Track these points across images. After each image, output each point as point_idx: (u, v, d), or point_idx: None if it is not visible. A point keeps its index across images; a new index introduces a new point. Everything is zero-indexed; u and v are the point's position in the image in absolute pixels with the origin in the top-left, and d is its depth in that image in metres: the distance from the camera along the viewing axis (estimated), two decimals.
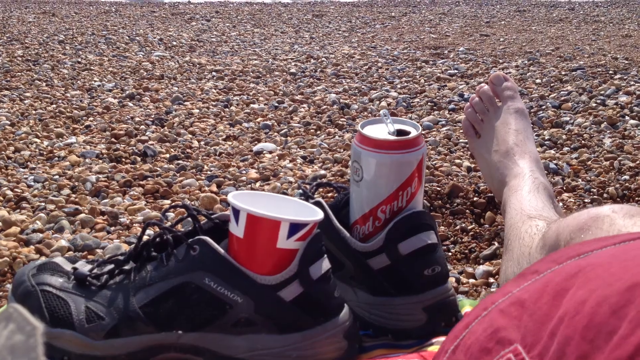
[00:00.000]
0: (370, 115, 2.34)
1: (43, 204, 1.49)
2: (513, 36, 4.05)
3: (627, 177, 1.63)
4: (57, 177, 1.67)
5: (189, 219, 0.87)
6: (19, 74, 2.82)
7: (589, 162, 1.75)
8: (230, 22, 4.73)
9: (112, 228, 1.40)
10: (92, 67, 3.00)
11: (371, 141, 0.94)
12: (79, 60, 3.15)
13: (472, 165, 1.73)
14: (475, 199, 1.51)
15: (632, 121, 2.09)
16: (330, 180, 1.66)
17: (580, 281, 0.45)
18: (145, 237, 0.86)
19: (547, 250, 0.79)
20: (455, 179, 1.62)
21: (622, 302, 0.40)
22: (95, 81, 2.75)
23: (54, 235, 1.34)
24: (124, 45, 3.60)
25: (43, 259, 1.03)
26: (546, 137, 1.98)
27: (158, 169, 1.77)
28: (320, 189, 1.50)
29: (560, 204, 1.48)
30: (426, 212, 0.95)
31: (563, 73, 2.77)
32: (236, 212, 0.79)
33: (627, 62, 2.93)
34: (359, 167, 0.96)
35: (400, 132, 0.98)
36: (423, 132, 2.10)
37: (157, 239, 0.86)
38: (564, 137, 1.97)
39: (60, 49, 3.43)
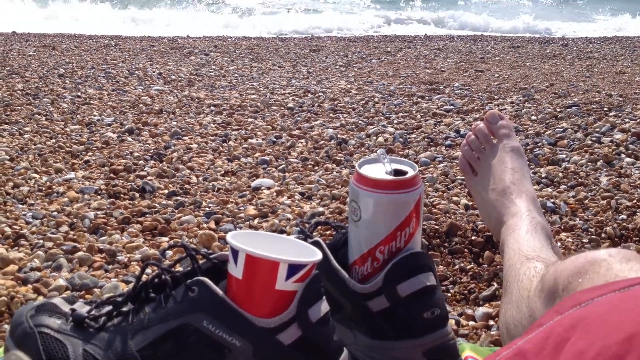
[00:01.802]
0: (367, 150, 2.36)
1: (41, 241, 1.49)
2: (508, 72, 4.09)
3: (624, 216, 1.64)
4: (55, 213, 1.67)
5: (188, 258, 0.87)
6: (19, 107, 2.83)
7: (586, 201, 1.76)
8: (229, 57, 4.77)
9: (110, 266, 1.40)
10: (91, 101, 3.02)
11: (369, 181, 0.95)
12: (79, 94, 3.17)
13: (470, 203, 1.73)
14: (473, 237, 1.51)
15: (627, 159, 2.11)
16: (328, 218, 1.67)
17: (580, 332, 0.45)
18: (143, 277, 0.86)
19: (545, 293, 0.79)
20: (453, 217, 1.63)
21: (621, 352, 0.40)
22: (94, 115, 2.77)
23: (51, 274, 1.34)
24: (124, 79, 3.62)
25: (41, 299, 1.03)
26: (543, 175, 1.99)
27: (156, 205, 1.77)
28: (319, 227, 1.50)
29: (559, 243, 1.48)
30: (425, 253, 0.95)
31: (558, 110, 2.79)
32: (235, 252, 0.79)
33: (621, 99, 2.96)
34: (357, 206, 0.96)
35: (397, 172, 0.99)
36: (420, 170, 2.11)
37: (156, 280, 0.86)
38: (560, 174, 1.98)
39: (60, 82, 3.45)
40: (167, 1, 9.68)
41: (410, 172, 0.98)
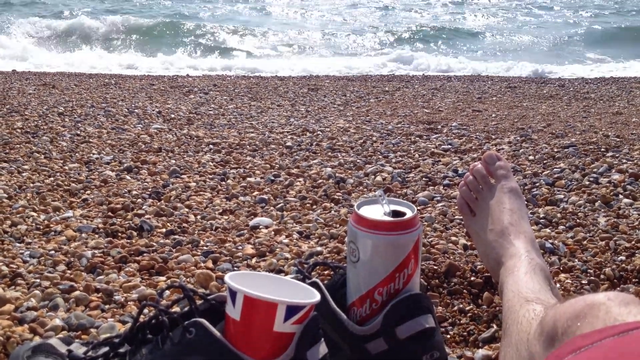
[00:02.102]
0: (365, 190, 2.36)
1: (38, 280, 1.49)
2: (505, 112, 4.12)
3: (623, 257, 1.63)
4: (53, 252, 1.67)
5: (186, 299, 0.87)
6: (18, 146, 2.84)
7: (585, 242, 1.76)
8: (228, 95, 4.81)
9: (107, 306, 1.39)
10: (90, 140, 3.03)
11: (367, 222, 0.95)
12: (78, 132, 3.19)
13: (469, 243, 1.73)
14: (472, 278, 1.51)
15: (625, 200, 2.11)
16: (326, 258, 1.67)
17: None
18: (140, 318, 0.86)
19: (544, 337, 0.79)
20: (451, 257, 1.62)
21: None
22: (93, 154, 2.78)
23: (48, 314, 1.33)
24: (123, 118, 3.64)
25: (38, 339, 1.02)
26: (541, 215, 1.99)
27: (154, 244, 1.77)
28: (317, 267, 1.50)
29: (558, 285, 1.48)
30: (423, 295, 0.95)
31: (555, 150, 2.81)
32: (233, 293, 0.79)
33: (618, 139, 2.98)
34: (355, 247, 0.96)
35: (396, 213, 0.99)
36: (418, 209, 2.11)
37: (153, 321, 0.85)
38: (558, 215, 1.99)
39: (59, 121, 3.47)
40: (168, 47, 9.80)
41: (409, 214, 0.98)
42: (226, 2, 19.13)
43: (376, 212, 0.98)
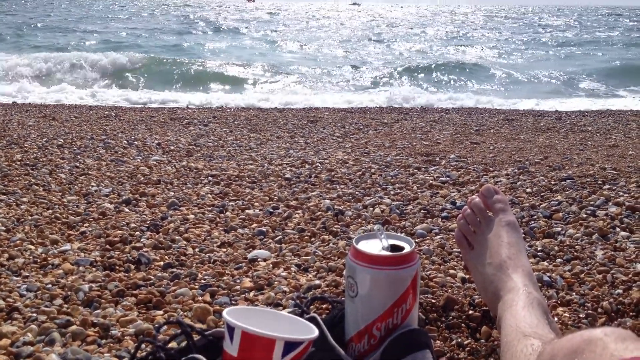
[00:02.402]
0: (364, 222, 2.36)
1: (35, 314, 1.48)
2: (502, 144, 4.14)
3: (620, 291, 1.63)
4: (50, 286, 1.67)
5: (183, 334, 0.87)
6: (17, 178, 2.85)
7: (582, 275, 1.75)
8: (227, 127, 4.83)
9: (104, 341, 1.38)
10: (89, 172, 3.04)
11: (365, 256, 0.96)
12: (77, 164, 3.20)
13: (467, 277, 1.73)
14: (470, 312, 1.50)
15: (622, 233, 2.11)
16: (324, 291, 1.66)
17: None
18: (138, 354, 0.85)
19: None
20: (450, 290, 1.62)
21: None
22: (92, 186, 2.78)
23: (44, 348, 1.32)
24: (122, 150, 3.66)
25: None
26: (539, 248, 1.99)
27: (152, 277, 1.76)
28: (315, 301, 1.49)
29: (556, 318, 1.48)
30: (422, 330, 0.95)
31: (553, 183, 2.82)
32: (231, 328, 0.79)
33: (615, 172, 2.99)
34: (353, 282, 0.96)
35: (394, 248, 0.99)
36: (416, 241, 2.11)
37: (150, 357, 0.85)
38: (556, 248, 1.99)
39: (59, 153, 3.48)
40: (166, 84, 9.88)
41: (407, 248, 0.98)
42: (232, 37, 19.39)
43: (374, 246, 0.98)
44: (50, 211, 2.39)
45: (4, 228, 2.13)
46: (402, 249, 0.98)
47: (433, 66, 12.30)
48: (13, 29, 18.37)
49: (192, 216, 2.39)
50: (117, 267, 1.85)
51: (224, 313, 0.80)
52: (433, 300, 1.54)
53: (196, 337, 0.87)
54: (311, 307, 1.45)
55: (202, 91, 9.52)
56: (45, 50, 12.52)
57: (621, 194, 2.58)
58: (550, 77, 11.45)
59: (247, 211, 2.47)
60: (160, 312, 1.55)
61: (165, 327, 1.43)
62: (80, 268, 1.81)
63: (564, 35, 21.83)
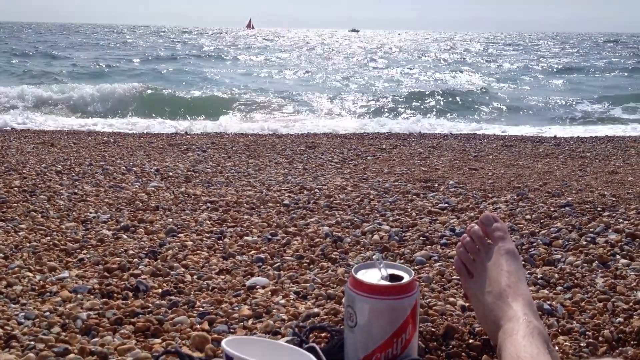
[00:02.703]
0: (363, 249, 2.36)
1: (33, 342, 1.47)
2: (501, 170, 4.15)
3: (621, 319, 1.63)
4: (48, 313, 1.66)
5: None
6: (15, 204, 2.84)
7: (583, 303, 1.75)
8: (226, 153, 4.84)
9: None
10: (88, 198, 3.04)
11: (365, 286, 0.95)
12: (76, 191, 3.20)
13: (467, 305, 1.72)
14: (471, 341, 1.49)
15: (623, 260, 2.11)
16: (323, 319, 1.65)
17: None
18: None
19: None
20: (449, 318, 1.61)
21: None
22: (90, 212, 2.78)
23: None
24: (121, 176, 3.66)
25: None
26: (539, 276, 1.99)
27: (150, 305, 1.75)
28: (314, 330, 1.48)
29: (556, 347, 1.47)
30: None
31: (552, 209, 2.81)
32: (229, 359, 0.79)
33: (614, 199, 2.99)
34: (352, 312, 0.96)
35: (393, 277, 0.99)
36: (416, 269, 2.11)
37: None
38: (556, 275, 1.98)
39: (57, 179, 3.48)
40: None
41: (406, 278, 0.98)
42: (232, 63, 19.52)
43: (373, 276, 0.98)
44: (48, 238, 2.38)
45: (2, 255, 2.12)
46: (401, 278, 0.97)
47: (440, 92, 12.30)
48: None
49: (191, 243, 2.38)
50: (115, 295, 1.84)
51: (223, 343, 0.80)
52: (433, 329, 1.53)
53: None
54: (310, 336, 1.44)
55: (208, 118, 9.50)
56: (45, 78, 12.56)
57: (621, 220, 2.57)
58: (550, 104, 11.47)
59: (245, 238, 2.47)
60: (159, 340, 1.54)
61: (163, 356, 1.42)
62: (79, 295, 1.80)
63: (566, 62, 21.92)
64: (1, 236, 2.35)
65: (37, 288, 1.86)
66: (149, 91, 11.56)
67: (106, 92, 10.88)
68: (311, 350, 0.93)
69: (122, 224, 2.61)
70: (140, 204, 2.97)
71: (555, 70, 20.21)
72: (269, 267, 2.14)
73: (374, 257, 0.97)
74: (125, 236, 2.46)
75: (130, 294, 1.85)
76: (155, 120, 8.69)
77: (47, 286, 1.87)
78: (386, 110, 10.91)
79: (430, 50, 34.10)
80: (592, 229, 2.47)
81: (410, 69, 20.21)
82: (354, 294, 0.96)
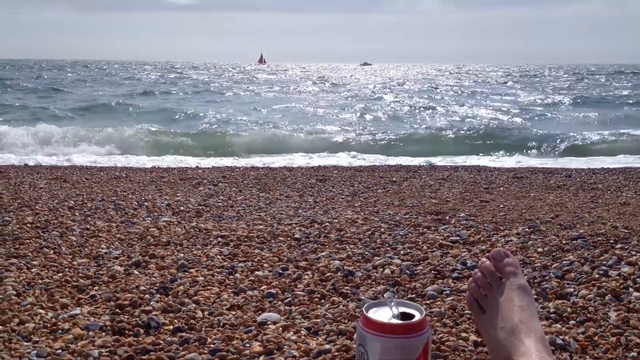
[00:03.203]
0: (374, 283, 2.35)
1: None
2: (512, 202, 4.14)
3: (634, 353, 1.61)
4: (60, 351, 1.66)
5: None
6: (28, 241, 2.86)
7: (596, 338, 1.73)
8: (237, 187, 4.86)
9: None
10: (100, 234, 3.06)
11: (376, 325, 0.95)
12: (88, 226, 3.21)
13: (479, 340, 1.71)
14: None
15: (636, 293, 2.09)
16: (335, 356, 1.65)
17: None
18: None
19: None
20: (462, 354, 1.60)
21: None
22: (102, 248, 2.79)
23: None
24: (133, 211, 3.68)
25: None
26: (552, 310, 1.97)
27: (161, 342, 1.75)
28: None
29: None
30: None
31: (564, 242, 2.80)
32: None
33: (627, 231, 2.97)
34: (364, 351, 0.96)
35: (405, 315, 0.99)
36: (427, 303, 2.10)
37: None
38: (569, 309, 1.97)
39: (69, 215, 3.50)
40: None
41: (418, 316, 0.98)
42: (248, 99, 19.69)
43: (385, 314, 0.98)
44: (60, 274, 2.39)
45: (14, 292, 2.13)
46: (412, 316, 0.97)
47: (465, 129, 11.99)
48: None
49: (202, 278, 2.38)
50: (126, 332, 1.84)
51: None
52: None
53: None
54: None
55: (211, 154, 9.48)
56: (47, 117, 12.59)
57: (634, 253, 2.56)
58: (564, 136, 11.28)
59: (256, 272, 2.47)
60: None
61: None
62: (90, 333, 1.81)
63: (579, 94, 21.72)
64: (14, 273, 2.36)
65: (49, 325, 1.87)
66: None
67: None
68: None
69: (134, 259, 2.62)
70: (152, 239, 2.98)
71: (571, 102, 19.85)
72: (280, 302, 2.14)
73: (385, 295, 0.98)
74: (136, 272, 2.47)
75: (142, 331, 1.85)
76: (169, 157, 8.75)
77: (59, 323, 1.88)
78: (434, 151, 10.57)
79: (446, 83, 33.74)
80: (604, 262, 2.46)
81: (428, 101, 20.09)
82: (365, 332, 0.96)
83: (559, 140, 10.46)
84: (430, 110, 16.73)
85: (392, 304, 0.99)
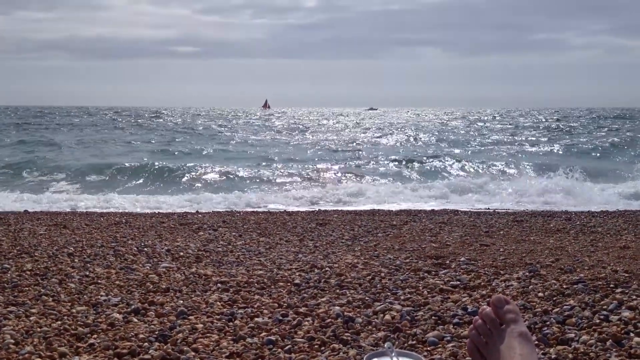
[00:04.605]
0: (374, 329, 2.34)
1: None
2: (512, 246, 4.13)
3: None
4: None
5: None
6: (27, 288, 2.85)
7: None
8: (237, 231, 4.86)
9: None
10: (99, 281, 3.05)
11: None
12: (87, 273, 3.21)
13: None
14: None
15: (636, 338, 2.08)
16: None
17: None
18: None
19: None
20: None
21: None
22: (101, 295, 2.78)
23: None
24: (132, 257, 3.67)
25: None
26: (553, 356, 1.96)
27: None
28: None
29: None
30: None
31: (564, 286, 2.78)
32: None
33: (627, 275, 2.95)
34: None
35: None
36: (428, 350, 2.08)
37: None
38: (570, 355, 1.95)
39: (69, 261, 3.49)
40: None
41: None
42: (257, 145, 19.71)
43: None
44: (59, 322, 2.38)
45: (12, 341, 2.12)
46: None
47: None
48: None
49: (201, 325, 2.37)
50: None
51: None
52: None
53: None
54: None
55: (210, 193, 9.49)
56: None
57: (634, 297, 2.54)
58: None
59: (256, 319, 2.45)
60: None
61: None
62: None
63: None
64: (12, 321, 2.35)
65: None
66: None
67: None
68: None
69: (133, 306, 2.60)
70: (151, 286, 2.97)
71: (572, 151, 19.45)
72: (280, 350, 2.12)
73: (385, 344, 0.98)
74: (135, 319, 2.45)
75: None
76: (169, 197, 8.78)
77: None
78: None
79: (458, 128, 33.19)
80: (605, 307, 2.44)
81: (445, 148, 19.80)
82: None
83: None
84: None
85: (393, 354, 0.98)
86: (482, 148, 18.85)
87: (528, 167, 13.07)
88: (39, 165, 12.81)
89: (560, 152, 17.69)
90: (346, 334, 2.28)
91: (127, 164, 12.49)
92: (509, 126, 33.50)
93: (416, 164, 13.79)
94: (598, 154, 17.14)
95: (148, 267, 3.39)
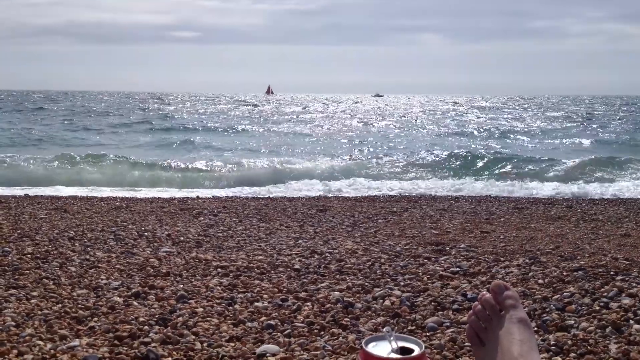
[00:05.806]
0: (374, 314, 2.34)
1: None
2: (513, 233, 4.13)
3: None
4: None
5: None
6: (27, 272, 2.86)
7: None
8: (237, 217, 4.86)
9: None
10: (99, 265, 3.05)
11: (375, 359, 0.95)
12: (88, 257, 3.21)
13: None
14: None
15: (636, 325, 2.08)
16: None
17: None
18: None
19: None
20: None
21: None
22: (102, 279, 2.79)
23: None
24: (132, 242, 3.67)
25: None
26: (552, 342, 1.96)
27: None
28: None
29: None
30: None
31: (565, 274, 2.79)
32: None
33: (627, 262, 2.96)
34: None
35: (404, 350, 0.99)
36: (427, 335, 2.09)
37: None
38: (569, 342, 1.96)
39: (69, 245, 3.50)
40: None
41: (417, 350, 0.98)
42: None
43: (384, 348, 0.98)
44: (59, 305, 2.38)
45: (13, 323, 2.12)
46: (412, 351, 0.97)
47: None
48: None
49: (201, 309, 2.38)
50: None
51: None
52: None
53: None
54: None
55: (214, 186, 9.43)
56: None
57: (634, 285, 2.55)
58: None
59: (255, 304, 2.46)
60: None
61: None
62: None
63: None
64: (13, 304, 2.36)
65: (47, 357, 1.86)
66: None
67: None
68: None
69: (133, 290, 2.61)
70: (152, 270, 2.97)
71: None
72: (279, 334, 2.13)
73: (384, 328, 0.98)
74: (136, 303, 2.46)
75: None
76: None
77: (57, 355, 1.87)
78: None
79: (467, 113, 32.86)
80: (605, 294, 2.45)
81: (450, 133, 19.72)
82: None
83: None
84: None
85: (392, 338, 0.98)
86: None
87: None
88: None
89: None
90: (345, 319, 2.29)
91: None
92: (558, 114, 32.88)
93: None
94: None
95: (148, 252, 3.40)
